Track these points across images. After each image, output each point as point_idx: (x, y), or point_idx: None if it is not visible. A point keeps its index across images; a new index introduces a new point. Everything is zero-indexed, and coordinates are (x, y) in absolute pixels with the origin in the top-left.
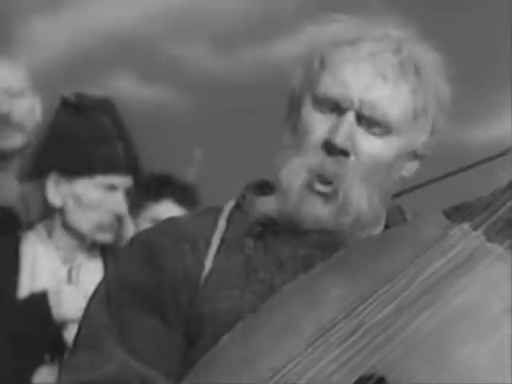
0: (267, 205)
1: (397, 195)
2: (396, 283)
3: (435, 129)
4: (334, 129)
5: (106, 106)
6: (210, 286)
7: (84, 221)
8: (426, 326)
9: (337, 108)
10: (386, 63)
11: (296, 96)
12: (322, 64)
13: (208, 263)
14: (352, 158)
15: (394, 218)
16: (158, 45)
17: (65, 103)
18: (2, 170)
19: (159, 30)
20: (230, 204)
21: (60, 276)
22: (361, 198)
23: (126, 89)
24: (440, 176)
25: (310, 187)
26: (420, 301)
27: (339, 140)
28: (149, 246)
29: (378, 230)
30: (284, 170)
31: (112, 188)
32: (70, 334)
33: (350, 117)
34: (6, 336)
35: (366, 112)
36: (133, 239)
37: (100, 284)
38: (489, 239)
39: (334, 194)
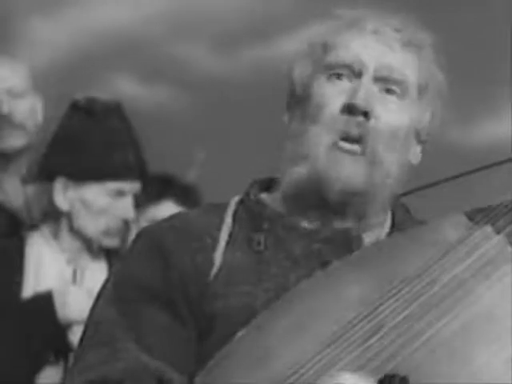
0: (294, 176)
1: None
2: (417, 284)
3: (434, 114)
4: (353, 92)
5: (116, 110)
6: (220, 282)
7: (91, 226)
8: (446, 329)
9: (351, 74)
10: (391, 38)
11: (300, 84)
12: (325, 48)
13: (217, 260)
14: (372, 121)
15: (401, 215)
16: (158, 45)
17: (75, 106)
18: (4, 171)
19: (159, 30)
20: (234, 200)
21: (65, 277)
22: (389, 157)
23: (126, 89)
24: (446, 178)
25: (336, 146)
26: (442, 303)
27: (360, 101)
28: (156, 242)
29: (385, 223)
30: (304, 139)
31: (121, 194)
32: (74, 335)
33: (367, 79)
34: (10, 336)
35: (384, 73)
36: (139, 236)
37: (106, 283)
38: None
39: (363, 151)
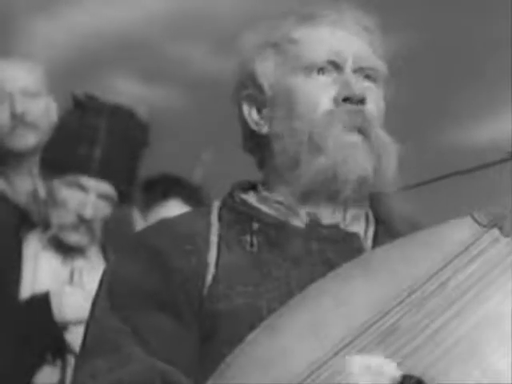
0: (315, 168)
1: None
2: (428, 288)
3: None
4: (345, 84)
5: (111, 113)
6: (219, 283)
7: (53, 218)
8: (458, 330)
9: (332, 68)
10: (354, 26)
11: (267, 84)
12: (293, 45)
13: (212, 261)
14: (367, 107)
15: (381, 209)
16: (158, 45)
17: (75, 102)
18: (15, 170)
19: (161, 30)
20: (216, 204)
21: (62, 277)
22: (385, 142)
23: (127, 90)
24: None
25: (342, 138)
26: (453, 306)
27: (357, 91)
28: (150, 248)
29: (369, 215)
30: (313, 133)
31: (81, 188)
32: (71, 335)
33: (349, 70)
34: (7, 336)
35: (360, 63)
36: (132, 242)
37: (101, 290)
38: None
39: (367, 139)
